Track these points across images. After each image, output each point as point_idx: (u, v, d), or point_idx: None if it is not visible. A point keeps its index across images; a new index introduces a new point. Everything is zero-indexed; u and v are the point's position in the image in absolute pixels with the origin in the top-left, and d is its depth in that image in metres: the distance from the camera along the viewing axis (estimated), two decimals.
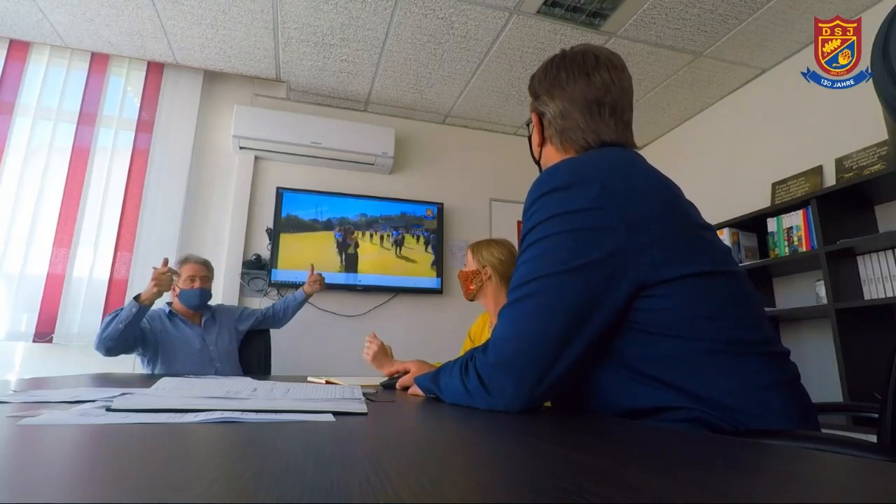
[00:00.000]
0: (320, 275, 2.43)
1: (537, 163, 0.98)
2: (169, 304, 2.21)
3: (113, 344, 1.88)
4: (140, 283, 2.73)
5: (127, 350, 2.00)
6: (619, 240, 0.68)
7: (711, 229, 0.80)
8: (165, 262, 1.92)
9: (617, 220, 0.69)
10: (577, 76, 0.85)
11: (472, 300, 1.90)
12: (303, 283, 2.42)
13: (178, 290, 2.14)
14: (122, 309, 1.90)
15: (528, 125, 0.99)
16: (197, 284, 2.15)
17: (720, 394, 0.66)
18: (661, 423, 0.68)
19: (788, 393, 0.70)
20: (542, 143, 0.93)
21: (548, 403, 0.81)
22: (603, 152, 0.82)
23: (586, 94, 0.84)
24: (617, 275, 0.68)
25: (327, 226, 3.12)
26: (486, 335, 1.80)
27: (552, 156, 0.90)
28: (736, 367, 0.68)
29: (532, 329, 0.69)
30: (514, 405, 0.69)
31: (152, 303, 1.93)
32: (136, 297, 1.87)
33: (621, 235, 0.68)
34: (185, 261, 2.20)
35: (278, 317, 2.44)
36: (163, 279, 1.87)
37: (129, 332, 1.89)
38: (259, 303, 2.93)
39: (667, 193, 0.76)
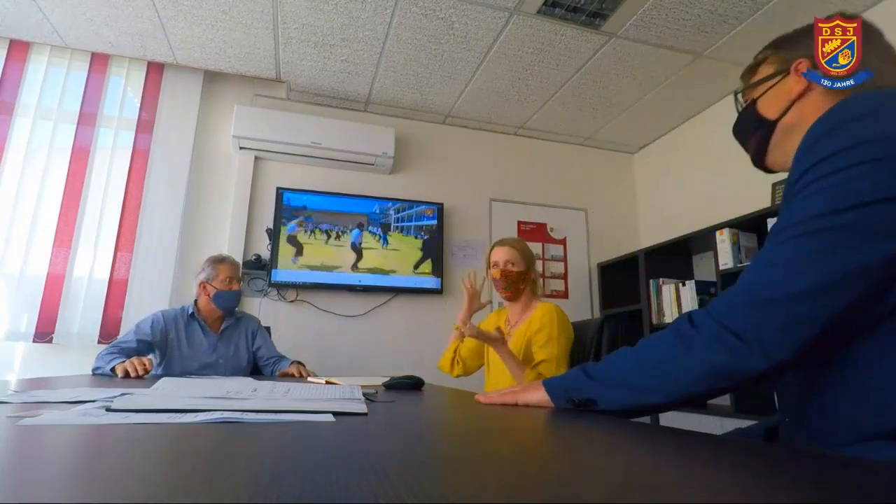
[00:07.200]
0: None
1: (768, 135, 0.81)
2: (195, 301, 2.12)
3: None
4: (140, 283, 2.74)
5: None
6: None
7: None
8: (151, 363, 1.75)
9: None
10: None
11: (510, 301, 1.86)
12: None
13: (212, 292, 2.05)
14: (116, 349, 1.83)
15: (738, 94, 0.88)
16: (235, 286, 2.10)
17: None
18: None
19: None
20: (801, 95, 0.77)
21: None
22: None
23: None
24: None
25: (326, 225, 3.12)
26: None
27: (819, 103, 0.74)
28: None
29: (799, 270, 0.57)
30: (777, 353, 0.56)
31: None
32: (113, 370, 1.69)
33: None
34: (221, 260, 2.12)
35: (261, 371, 2.23)
36: (138, 370, 1.65)
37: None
38: (259, 303, 2.93)
39: None
